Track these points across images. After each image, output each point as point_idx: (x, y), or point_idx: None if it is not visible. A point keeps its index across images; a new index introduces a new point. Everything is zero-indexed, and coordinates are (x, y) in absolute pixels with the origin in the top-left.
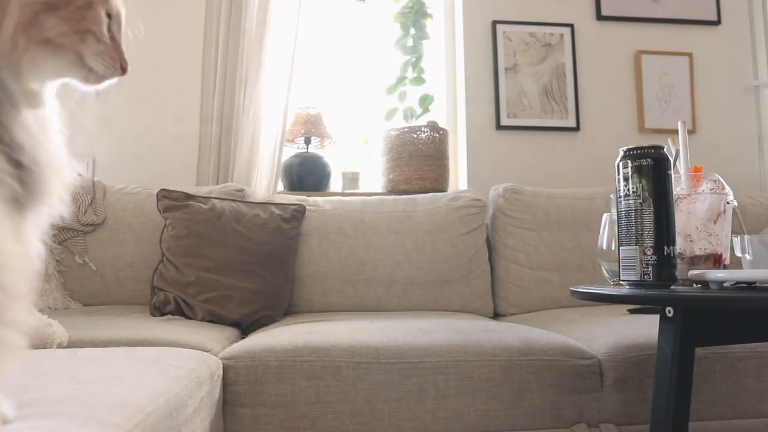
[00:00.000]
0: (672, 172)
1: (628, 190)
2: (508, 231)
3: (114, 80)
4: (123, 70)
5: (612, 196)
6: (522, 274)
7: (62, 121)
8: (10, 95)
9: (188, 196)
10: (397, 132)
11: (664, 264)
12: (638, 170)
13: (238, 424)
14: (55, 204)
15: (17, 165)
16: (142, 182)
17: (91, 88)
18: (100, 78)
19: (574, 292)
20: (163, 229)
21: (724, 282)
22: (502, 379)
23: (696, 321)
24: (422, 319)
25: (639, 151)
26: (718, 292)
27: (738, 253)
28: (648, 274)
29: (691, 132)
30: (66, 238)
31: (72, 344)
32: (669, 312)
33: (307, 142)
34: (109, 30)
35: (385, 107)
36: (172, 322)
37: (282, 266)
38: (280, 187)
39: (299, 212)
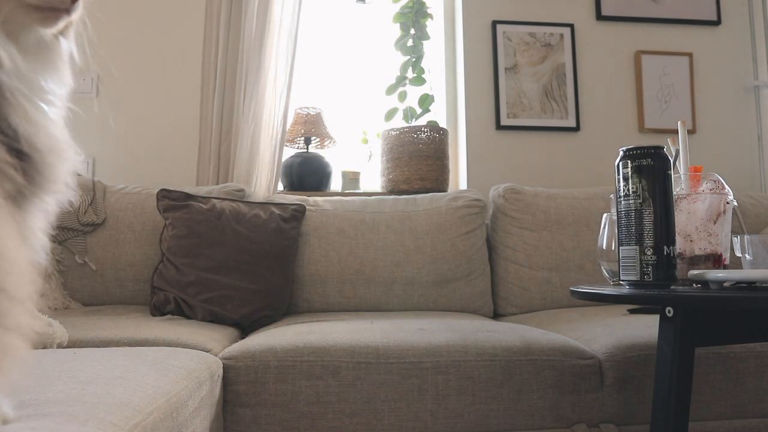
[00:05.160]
0: (672, 172)
1: (628, 190)
2: (508, 231)
3: (75, 12)
4: None
5: (612, 196)
6: (522, 274)
7: (64, 103)
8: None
9: (188, 196)
10: (397, 132)
11: (663, 264)
12: (638, 170)
13: (238, 424)
14: (61, 190)
15: (18, 154)
16: (142, 182)
17: (53, 29)
18: (46, 11)
19: (574, 292)
20: (163, 229)
21: (724, 282)
22: (502, 378)
23: (696, 321)
24: (422, 319)
25: (639, 151)
26: (718, 292)
27: (738, 253)
28: (648, 274)
29: (691, 132)
30: (66, 238)
31: (72, 344)
32: (669, 312)
33: (307, 142)
34: None
35: (385, 107)
36: (172, 322)
37: (282, 266)
38: (280, 187)
39: (299, 212)
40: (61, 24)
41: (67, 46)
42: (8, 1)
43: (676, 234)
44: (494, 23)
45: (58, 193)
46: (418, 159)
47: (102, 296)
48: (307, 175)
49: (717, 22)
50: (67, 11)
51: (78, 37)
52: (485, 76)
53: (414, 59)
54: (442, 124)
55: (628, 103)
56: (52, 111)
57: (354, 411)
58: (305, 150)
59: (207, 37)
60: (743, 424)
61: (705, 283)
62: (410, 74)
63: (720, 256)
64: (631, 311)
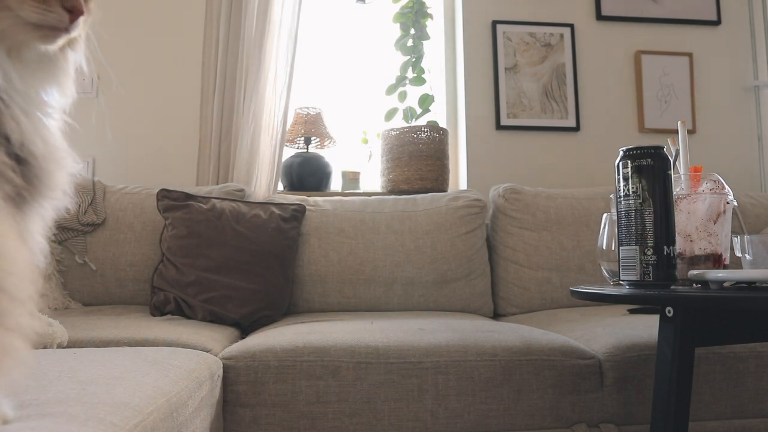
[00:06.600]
0: (672, 172)
1: (628, 190)
2: (508, 231)
3: (75, 30)
4: (69, 11)
5: (612, 196)
6: (522, 274)
7: (62, 114)
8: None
9: (188, 196)
10: (397, 132)
11: (664, 264)
12: (638, 170)
13: (238, 424)
14: (59, 197)
15: (17, 159)
16: (142, 182)
17: (53, 46)
18: (45, 29)
19: (574, 292)
20: (163, 229)
21: (724, 282)
22: (502, 378)
23: (696, 321)
24: (422, 319)
25: (639, 151)
26: (718, 292)
27: (738, 253)
28: (648, 274)
29: (691, 132)
30: (66, 238)
31: (72, 344)
32: (669, 312)
33: (307, 142)
34: None
35: (385, 107)
36: (172, 322)
37: (282, 266)
38: (280, 187)
39: (299, 212)
40: (60, 41)
41: (75, 58)
42: (5, 18)
43: (676, 234)
44: (494, 23)
45: (55, 200)
46: (418, 159)
47: (102, 296)
48: (307, 175)
49: (717, 22)
50: (66, 30)
51: (84, 50)
52: (485, 76)
53: (414, 59)
54: (442, 124)
55: (628, 103)
56: (50, 121)
57: (354, 411)
58: (305, 150)
59: (207, 37)
60: (743, 424)
61: (705, 283)
62: (410, 74)
63: (720, 256)
64: (631, 311)
